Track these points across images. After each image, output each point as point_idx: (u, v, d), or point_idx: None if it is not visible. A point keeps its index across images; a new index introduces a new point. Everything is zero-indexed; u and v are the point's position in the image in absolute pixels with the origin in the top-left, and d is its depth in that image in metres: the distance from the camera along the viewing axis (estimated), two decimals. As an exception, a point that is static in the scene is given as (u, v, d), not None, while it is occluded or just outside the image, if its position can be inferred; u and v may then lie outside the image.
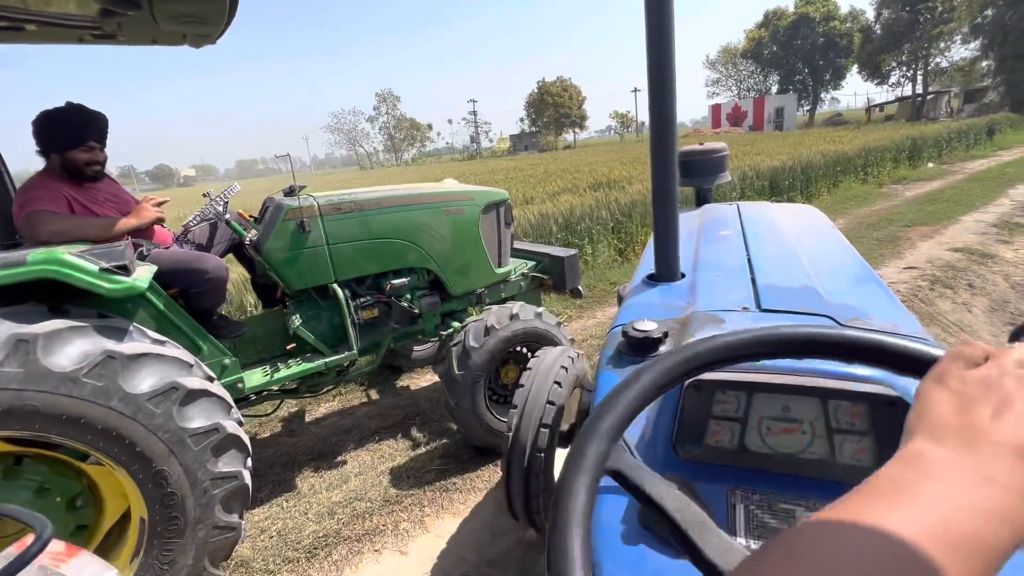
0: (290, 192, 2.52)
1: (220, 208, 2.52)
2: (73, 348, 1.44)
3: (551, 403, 1.51)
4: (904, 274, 5.06)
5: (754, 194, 8.75)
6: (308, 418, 3.31)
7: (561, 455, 1.53)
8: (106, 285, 1.56)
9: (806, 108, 52.88)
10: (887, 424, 0.79)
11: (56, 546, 0.69)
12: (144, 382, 1.53)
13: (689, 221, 2.08)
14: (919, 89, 41.90)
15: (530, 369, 1.65)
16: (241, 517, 1.80)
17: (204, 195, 2.60)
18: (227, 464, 1.71)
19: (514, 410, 1.54)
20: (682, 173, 2.56)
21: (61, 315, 1.52)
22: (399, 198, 2.69)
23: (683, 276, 1.47)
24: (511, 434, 1.50)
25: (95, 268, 1.56)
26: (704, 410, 0.88)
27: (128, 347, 1.54)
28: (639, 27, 1.34)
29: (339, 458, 2.78)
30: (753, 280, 1.33)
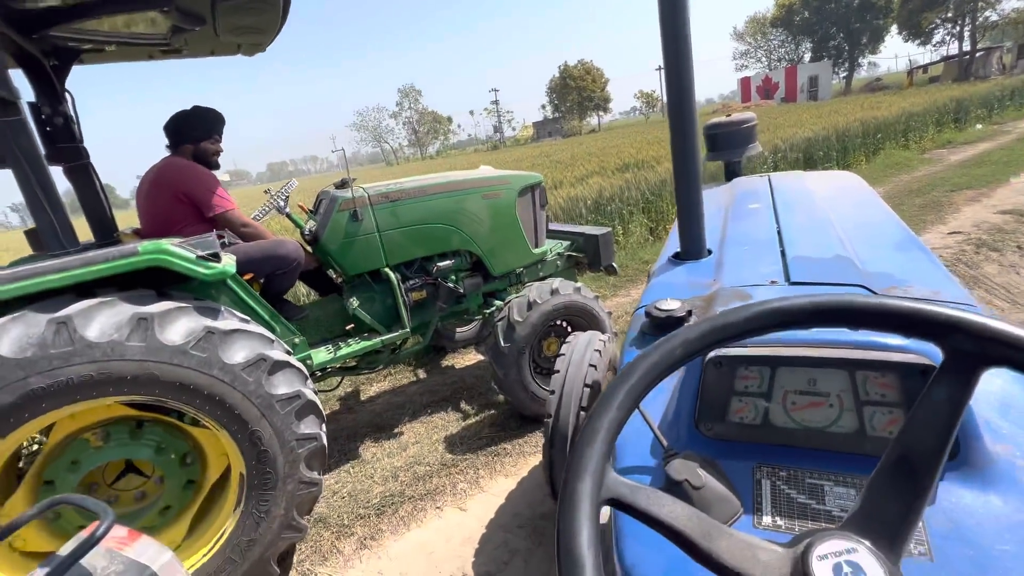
0: (342, 185, 2.72)
1: (282, 203, 2.75)
2: (181, 325, 1.67)
3: (588, 386, 1.51)
4: (948, 239, 4.94)
5: (787, 167, 8.58)
6: (363, 397, 3.55)
7: None
8: (202, 271, 1.79)
9: (842, 75, 50.41)
10: (919, 394, 0.82)
11: (119, 531, 0.74)
12: (238, 354, 1.75)
13: (718, 196, 2.04)
14: (966, 47, 39.33)
15: (564, 354, 1.66)
16: (321, 474, 2.02)
17: (265, 191, 2.84)
18: (308, 427, 1.93)
19: (551, 395, 1.55)
20: (709, 147, 2.58)
21: (167, 298, 1.76)
22: (441, 185, 2.86)
23: (710, 253, 1.44)
24: (550, 420, 1.52)
25: (193, 256, 1.78)
26: (726, 386, 0.85)
27: (223, 324, 1.76)
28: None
29: (396, 430, 3.01)
30: (783, 252, 1.29)
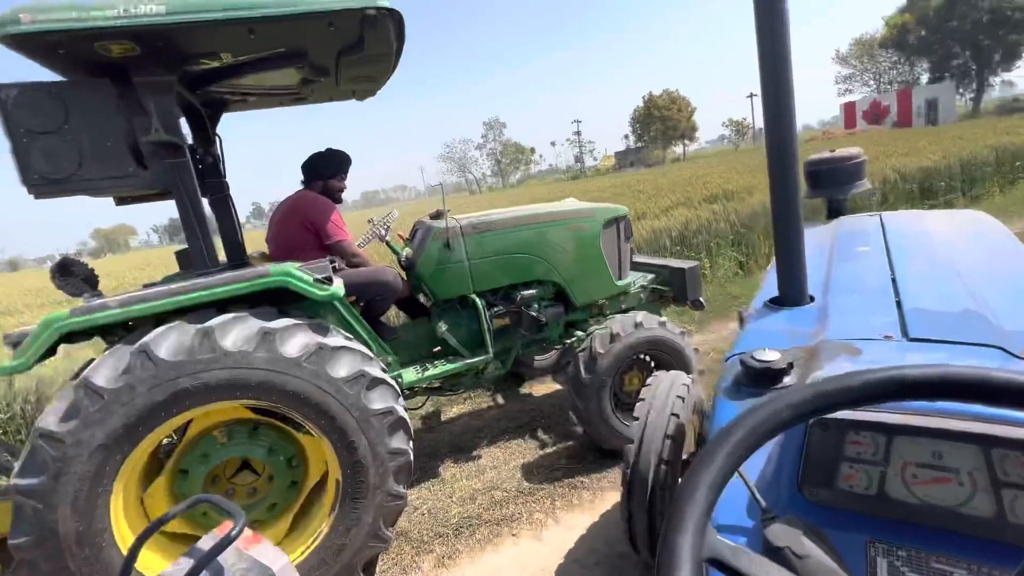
0: (437, 215, 2.92)
1: (383, 232, 3.00)
2: (298, 340, 1.87)
3: (669, 437, 1.44)
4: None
5: (899, 201, 7.83)
6: (443, 417, 3.68)
7: None
8: (318, 292, 2.00)
9: (968, 97, 45.35)
10: None
11: (246, 533, 0.79)
12: (342, 369, 1.92)
13: (819, 236, 1.92)
14: None
15: (644, 399, 1.60)
16: (406, 488, 2.12)
17: (369, 221, 3.11)
18: (398, 442, 2.05)
19: (630, 446, 1.49)
20: (810, 184, 2.43)
21: (285, 315, 1.99)
22: (528, 217, 2.97)
23: (812, 299, 1.34)
24: (629, 470, 1.46)
25: (311, 279, 2.01)
26: (834, 451, 0.78)
27: (332, 340, 1.95)
28: (751, 26, 1.26)
29: (474, 452, 3.08)
30: (899, 303, 1.17)
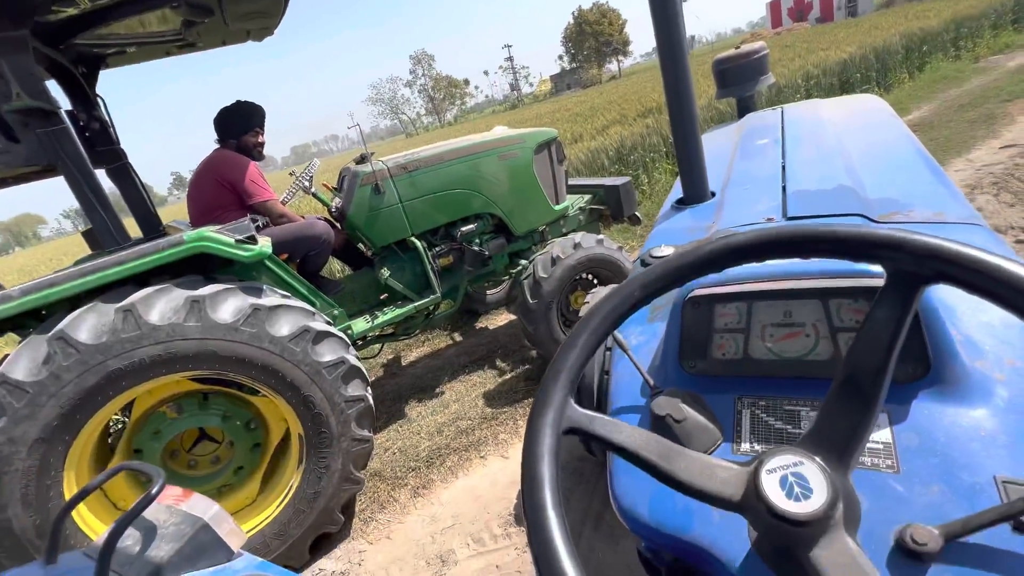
0: (361, 160, 2.80)
1: (307, 183, 2.86)
2: (229, 305, 1.81)
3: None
4: (1000, 154, 4.62)
5: (822, 93, 8.08)
6: (404, 362, 3.74)
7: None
8: (242, 253, 1.92)
9: (885, -16, 45.97)
10: None
11: (175, 491, 0.83)
12: (284, 327, 1.90)
13: (727, 135, 1.97)
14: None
15: (588, 302, 1.67)
16: (371, 432, 2.19)
17: (291, 174, 2.95)
18: (354, 389, 2.08)
19: None
20: (719, 84, 2.46)
21: (213, 282, 1.91)
22: (457, 150, 2.89)
23: (713, 195, 1.41)
24: None
25: (232, 240, 1.92)
26: (706, 324, 0.87)
27: (267, 301, 1.90)
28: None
29: (437, 390, 3.17)
30: (784, 188, 1.25)
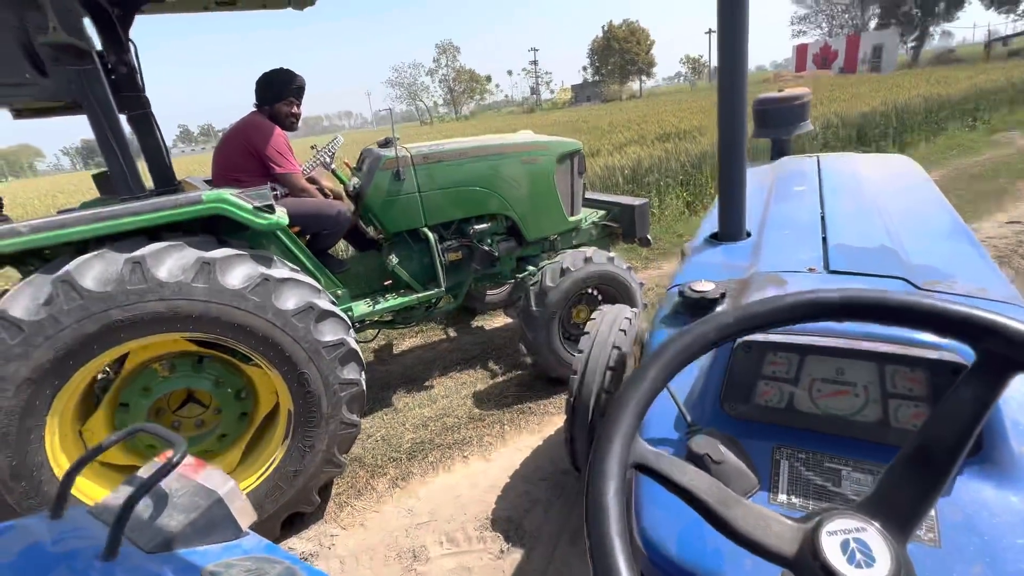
0: (386, 143, 2.78)
1: (327, 159, 2.83)
2: (239, 271, 1.79)
3: (611, 368, 1.51)
4: (1005, 228, 4.70)
5: (839, 144, 8.19)
6: (396, 350, 3.72)
7: None
8: (259, 220, 1.90)
9: (911, 45, 46.68)
10: (946, 390, 0.81)
11: (188, 460, 0.80)
12: (290, 301, 1.87)
13: (762, 176, 1.99)
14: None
15: (589, 333, 1.67)
16: (359, 417, 2.17)
17: (312, 147, 2.92)
18: (350, 373, 2.06)
19: (574, 376, 1.55)
20: (757, 123, 2.49)
21: (224, 245, 1.88)
22: (482, 148, 2.89)
23: (749, 235, 1.41)
24: (572, 398, 1.52)
25: (251, 207, 1.89)
26: (754, 370, 0.87)
27: (277, 272, 1.88)
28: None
29: (426, 383, 3.16)
30: (824, 239, 1.26)
